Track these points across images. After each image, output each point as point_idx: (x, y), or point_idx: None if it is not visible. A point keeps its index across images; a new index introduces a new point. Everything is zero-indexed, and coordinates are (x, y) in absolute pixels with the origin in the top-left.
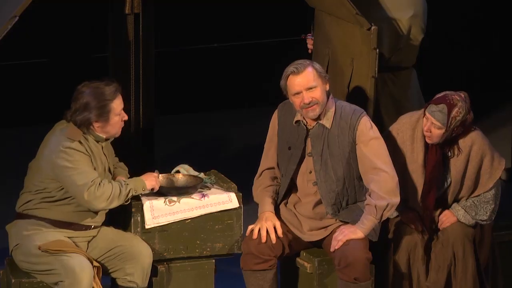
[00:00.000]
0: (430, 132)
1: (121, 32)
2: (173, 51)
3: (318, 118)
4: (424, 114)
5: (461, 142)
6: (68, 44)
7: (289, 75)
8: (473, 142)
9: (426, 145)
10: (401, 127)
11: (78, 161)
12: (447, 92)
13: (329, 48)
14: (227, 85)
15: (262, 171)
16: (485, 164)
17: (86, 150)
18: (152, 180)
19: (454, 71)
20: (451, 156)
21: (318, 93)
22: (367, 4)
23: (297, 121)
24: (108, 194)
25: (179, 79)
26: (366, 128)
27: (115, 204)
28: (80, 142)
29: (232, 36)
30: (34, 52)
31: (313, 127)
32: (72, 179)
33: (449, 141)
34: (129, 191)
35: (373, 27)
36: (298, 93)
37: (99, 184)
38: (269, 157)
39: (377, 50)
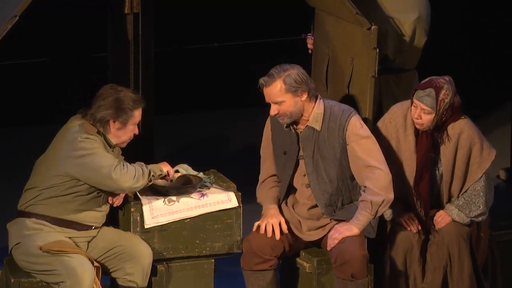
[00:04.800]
0: (421, 118)
1: (121, 32)
2: (172, 51)
3: (307, 121)
4: (412, 102)
5: (450, 129)
6: (68, 44)
7: (261, 84)
8: (462, 131)
9: (417, 132)
10: (393, 115)
11: (97, 147)
12: (432, 77)
13: (329, 47)
14: (226, 85)
15: (264, 180)
16: (474, 153)
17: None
18: (166, 165)
19: (454, 71)
20: (441, 143)
21: (284, 107)
22: (372, 6)
23: (288, 126)
24: (133, 173)
25: (178, 79)
26: (356, 128)
27: (140, 183)
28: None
29: (232, 36)
30: (34, 52)
31: (303, 130)
32: (96, 161)
33: (440, 126)
34: (149, 171)
35: (373, 27)
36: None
37: (123, 164)
38: (268, 165)
39: (377, 49)
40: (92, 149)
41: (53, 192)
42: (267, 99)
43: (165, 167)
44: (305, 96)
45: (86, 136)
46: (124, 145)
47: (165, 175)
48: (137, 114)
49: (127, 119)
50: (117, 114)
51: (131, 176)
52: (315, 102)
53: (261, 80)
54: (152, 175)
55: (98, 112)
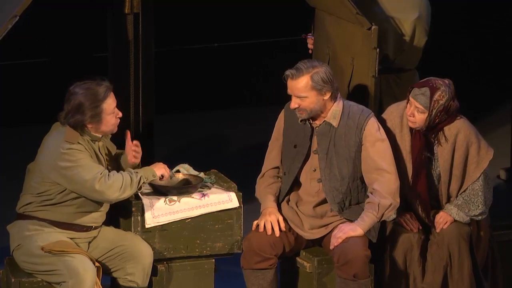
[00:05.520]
0: (414, 116)
1: (121, 32)
2: (172, 51)
3: (324, 116)
4: (408, 100)
5: (447, 130)
6: (68, 44)
7: (287, 76)
8: (459, 131)
9: (412, 132)
10: (389, 115)
11: (81, 159)
12: (431, 77)
13: (330, 47)
14: (227, 85)
15: (266, 171)
16: (472, 153)
17: (86, 149)
18: (161, 168)
19: (454, 71)
20: (436, 143)
21: (306, 103)
22: (372, 5)
23: (303, 120)
24: (119, 184)
25: (179, 79)
26: (374, 129)
27: (127, 193)
28: (79, 143)
29: (232, 36)
30: (34, 52)
31: (320, 125)
32: (80, 175)
33: (433, 127)
34: (140, 178)
35: (373, 27)
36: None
37: (108, 174)
38: (273, 156)
39: (377, 49)
40: (76, 161)
41: (47, 198)
42: (290, 92)
43: (158, 170)
44: (328, 96)
45: (68, 147)
46: (114, 131)
47: (160, 178)
48: (109, 104)
49: (100, 115)
50: (89, 116)
51: (117, 187)
52: (335, 101)
53: (288, 72)
54: (143, 182)
55: (69, 118)
